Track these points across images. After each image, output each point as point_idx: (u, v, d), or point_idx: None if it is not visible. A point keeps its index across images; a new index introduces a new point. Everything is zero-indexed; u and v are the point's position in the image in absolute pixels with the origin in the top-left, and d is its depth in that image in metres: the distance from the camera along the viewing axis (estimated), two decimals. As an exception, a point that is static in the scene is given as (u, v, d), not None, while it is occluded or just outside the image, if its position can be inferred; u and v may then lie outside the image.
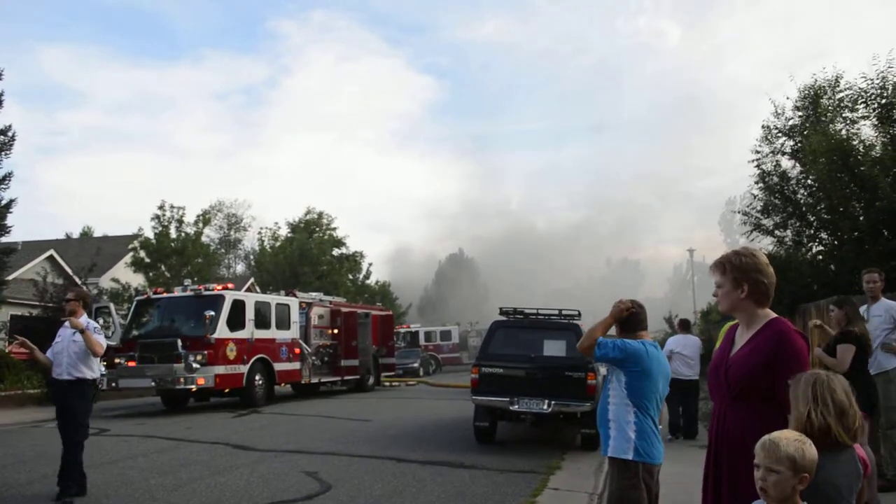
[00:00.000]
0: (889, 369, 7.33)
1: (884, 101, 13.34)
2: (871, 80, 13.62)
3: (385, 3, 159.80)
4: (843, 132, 13.98)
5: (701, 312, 35.12)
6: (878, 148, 13.38)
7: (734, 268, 3.31)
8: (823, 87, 15.03)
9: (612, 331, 4.88)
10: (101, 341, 7.80)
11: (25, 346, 7.80)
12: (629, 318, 4.80)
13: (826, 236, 14.87)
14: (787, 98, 15.96)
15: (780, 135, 15.87)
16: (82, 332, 7.56)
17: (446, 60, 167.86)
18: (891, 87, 13.27)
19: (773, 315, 3.29)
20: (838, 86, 14.75)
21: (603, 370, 11.48)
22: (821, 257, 15.04)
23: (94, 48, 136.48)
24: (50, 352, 7.89)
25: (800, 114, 15.53)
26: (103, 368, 7.83)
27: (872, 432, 7.03)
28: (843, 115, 14.45)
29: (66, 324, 7.79)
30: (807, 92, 15.29)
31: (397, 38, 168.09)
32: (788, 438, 2.62)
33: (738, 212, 16.88)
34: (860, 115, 14.02)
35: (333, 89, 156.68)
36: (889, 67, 13.39)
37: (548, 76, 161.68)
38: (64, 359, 7.71)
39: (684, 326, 13.52)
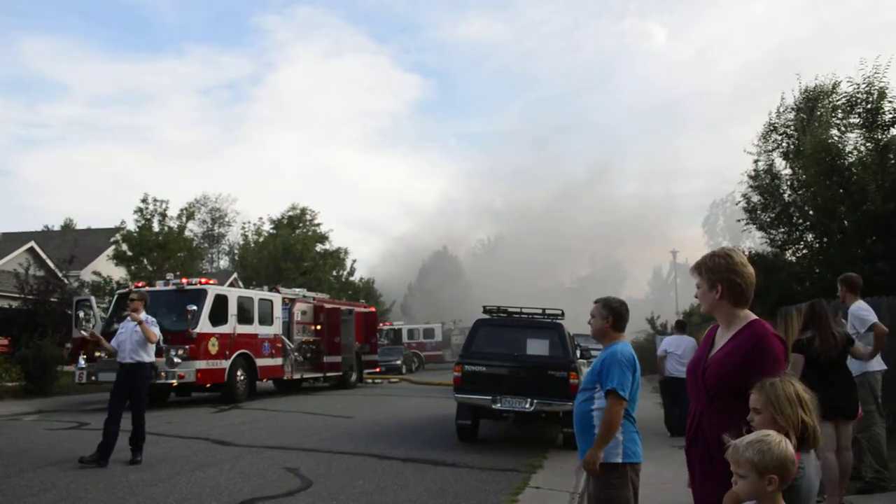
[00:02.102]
0: (856, 374, 7.31)
1: (870, 106, 13.42)
2: (858, 84, 13.70)
3: (370, 1, 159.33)
4: (835, 137, 14.04)
5: (683, 313, 35.25)
6: (864, 153, 13.46)
7: (708, 269, 3.35)
8: (823, 91, 15.05)
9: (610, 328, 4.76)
10: (156, 332, 9.67)
11: (94, 336, 9.96)
12: (621, 319, 4.76)
13: (812, 238, 14.97)
14: (792, 91, 16.00)
15: (776, 134, 15.93)
16: (140, 324, 9.37)
17: (432, 59, 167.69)
18: (876, 93, 13.35)
19: (753, 317, 3.29)
20: (835, 92, 14.77)
21: (585, 370, 11.53)
22: (806, 259, 15.14)
23: (75, 40, 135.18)
24: (114, 341, 9.70)
25: (794, 116, 15.58)
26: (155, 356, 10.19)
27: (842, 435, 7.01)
28: (836, 120, 14.49)
29: (128, 317, 9.68)
30: (806, 94, 15.37)
31: (383, 35, 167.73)
32: (750, 441, 2.57)
33: (737, 203, 16.95)
34: (851, 122, 14.07)
35: (318, 86, 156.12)
36: (875, 73, 13.45)
37: (532, 76, 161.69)
38: (127, 346, 9.47)
39: (680, 327, 13.65)
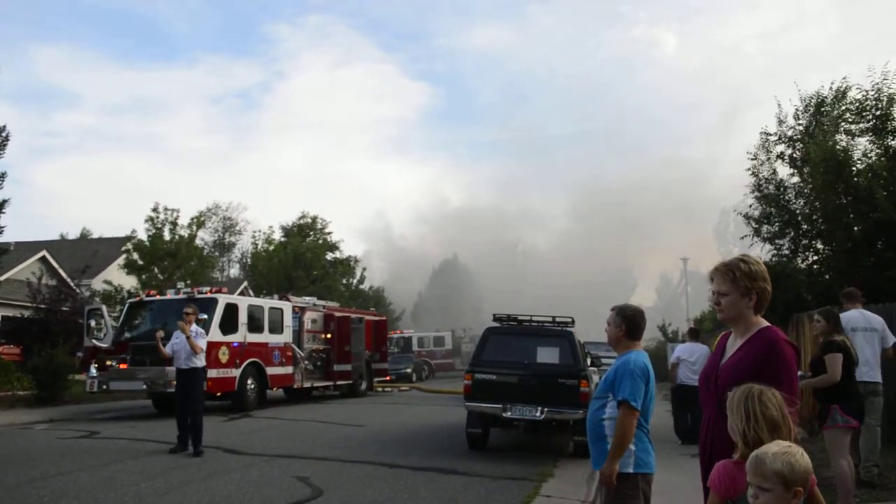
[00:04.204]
0: None
1: (879, 112, 13.37)
2: (867, 91, 13.66)
3: (379, 10, 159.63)
4: (843, 143, 13.94)
5: (694, 320, 35.15)
6: (873, 159, 13.39)
7: (745, 275, 3.23)
8: (827, 97, 14.91)
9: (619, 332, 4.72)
10: (201, 343, 11.02)
11: (159, 348, 11.51)
12: (635, 328, 4.72)
13: (821, 246, 14.87)
14: (790, 101, 15.84)
15: (779, 142, 15.78)
16: (188, 337, 10.77)
17: (441, 67, 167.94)
18: (886, 99, 13.30)
19: (766, 323, 3.27)
20: (844, 98, 14.62)
21: (596, 378, 11.50)
22: (816, 267, 15.04)
23: (88, 49, 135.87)
24: (169, 347, 11.22)
25: (800, 122, 15.46)
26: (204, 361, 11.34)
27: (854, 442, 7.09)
28: (844, 126, 14.38)
29: (180, 328, 11.06)
30: (809, 101, 15.26)
31: (392, 44, 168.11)
32: (776, 453, 2.49)
33: (739, 213, 16.73)
34: (859, 126, 13.98)
35: (328, 94, 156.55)
36: (885, 79, 13.40)
37: (541, 84, 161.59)
38: (182, 354, 10.91)
39: (694, 335, 13.55)
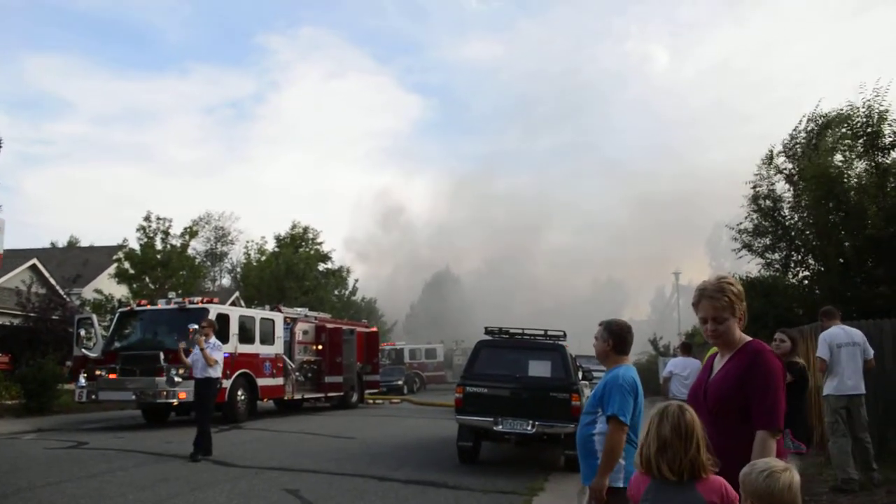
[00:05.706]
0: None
1: (870, 129, 13.46)
2: (857, 107, 13.76)
3: (373, 21, 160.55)
4: (838, 163, 14.01)
5: (686, 334, 35.17)
6: (863, 177, 13.47)
7: (735, 296, 3.27)
8: (836, 119, 14.98)
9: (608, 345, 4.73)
10: (216, 356, 11.65)
11: (184, 358, 12.27)
12: (622, 342, 4.72)
13: (813, 262, 14.93)
14: (806, 116, 15.95)
15: (782, 154, 15.85)
16: (202, 350, 11.44)
17: (434, 79, 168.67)
18: (876, 116, 13.40)
19: (749, 338, 3.32)
20: (849, 121, 14.68)
21: (588, 391, 11.49)
22: (807, 282, 15.09)
23: (80, 58, 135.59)
24: (190, 358, 11.97)
25: (805, 138, 15.56)
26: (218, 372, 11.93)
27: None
28: (843, 146, 14.46)
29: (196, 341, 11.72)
30: (817, 121, 15.35)
31: (385, 56, 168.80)
32: (750, 463, 2.64)
33: (731, 227, 16.80)
34: (856, 149, 14.05)
35: (321, 105, 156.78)
36: (875, 96, 13.51)
37: (534, 97, 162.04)
38: (199, 364, 11.68)
39: (686, 349, 13.55)
